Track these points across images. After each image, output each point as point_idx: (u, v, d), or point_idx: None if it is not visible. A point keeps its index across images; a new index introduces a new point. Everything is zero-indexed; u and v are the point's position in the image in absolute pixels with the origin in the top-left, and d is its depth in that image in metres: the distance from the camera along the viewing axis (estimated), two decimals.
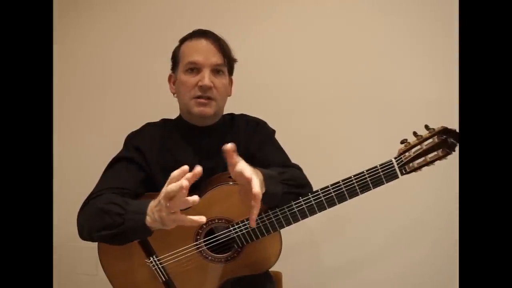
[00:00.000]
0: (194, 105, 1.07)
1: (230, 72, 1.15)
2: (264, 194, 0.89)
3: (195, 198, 0.77)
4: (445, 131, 0.93)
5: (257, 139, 1.15)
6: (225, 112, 1.18)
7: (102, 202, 0.96)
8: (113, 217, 0.91)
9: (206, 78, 1.05)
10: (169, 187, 0.78)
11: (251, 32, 1.67)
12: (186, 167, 0.79)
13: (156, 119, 1.20)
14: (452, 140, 0.92)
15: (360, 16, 1.59)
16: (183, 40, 1.12)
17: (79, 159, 1.86)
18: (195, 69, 1.07)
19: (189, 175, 0.78)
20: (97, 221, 0.93)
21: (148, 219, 0.86)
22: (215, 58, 1.07)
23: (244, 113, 1.22)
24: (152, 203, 0.86)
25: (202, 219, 0.79)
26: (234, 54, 1.14)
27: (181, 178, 0.78)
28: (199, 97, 1.06)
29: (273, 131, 1.21)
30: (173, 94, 1.15)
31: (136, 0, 1.80)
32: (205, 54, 1.06)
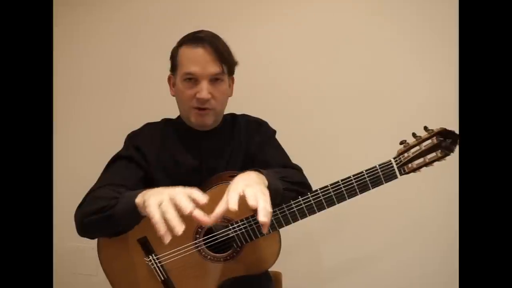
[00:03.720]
0: (192, 115, 1.07)
1: (231, 73, 1.12)
2: (268, 189, 0.89)
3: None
4: (443, 132, 0.93)
5: (258, 139, 1.15)
6: (226, 112, 1.18)
7: (100, 191, 0.97)
8: (109, 201, 0.91)
9: (204, 91, 1.03)
10: (183, 200, 0.77)
11: (251, 32, 1.67)
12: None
13: (156, 118, 1.20)
14: (450, 141, 0.92)
15: (360, 17, 1.59)
16: (181, 43, 1.08)
17: (79, 159, 1.86)
18: (192, 79, 1.05)
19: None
20: (92, 206, 0.94)
21: (139, 197, 0.85)
22: (213, 68, 1.03)
23: (244, 112, 1.22)
24: (154, 190, 0.85)
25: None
26: (235, 55, 1.11)
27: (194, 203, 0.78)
28: (197, 108, 1.06)
29: (274, 132, 1.21)
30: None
31: (136, 0, 1.80)
32: (202, 65, 1.03)
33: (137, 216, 0.89)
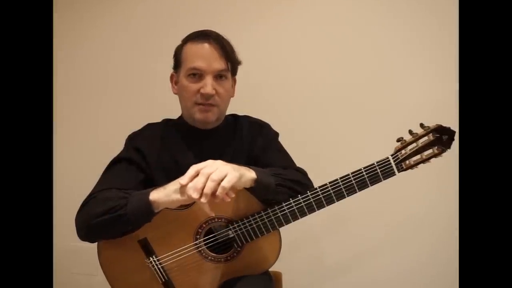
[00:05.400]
0: (196, 112, 1.07)
1: (234, 72, 1.13)
2: (256, 182, 0.94)
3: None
4: (439, 128, 0.94)
5: (260, 142, 1.15)
6: (227, 113, 1.17)
7: (105, 192, 0.97)
8: (118, 200, 0.93)
9: (209, 86, 1.04)
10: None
11: (252, 33, 1.68)
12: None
13: (157, 119, 1.20)
14: (447, 137, 0.93)
15: (360, 17, 1.60)
16: (186, 40, 1.09)
17: (79, 159, 1.86)
18: (197, 74, 1.05)
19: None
20: (99, 208, 0.94)
21: (154, 193, 0.91)
22: (218, 64, 1.04)
23: (243, 112, 1.22)
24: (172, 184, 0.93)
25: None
26: (238, 55, 1.11)
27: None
28: (201, 103, 1.06)
29: (277, 134, 1.21)
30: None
31: (137, 0, 1.80)
32: (208, 60, 1.04)
33: (150, 213, 0.92)
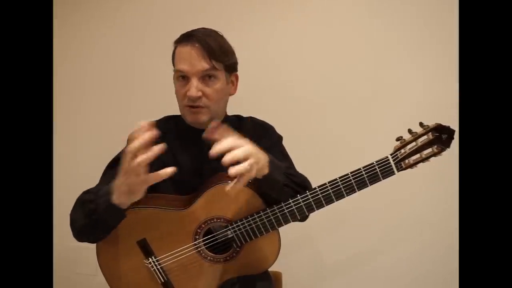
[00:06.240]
0: (187, 113, 1.07)
1: (231, 70, 1.10)
2: (265, 176, 0.92)
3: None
4: (439, 127, 0.93)
5: (264, 144, 1.12)
6: (229, 112, 1.17)
7: (81, 194, 0.99)
8: (87, 205, 0.93)
9: (193, 88, 1.02)
10: (131, 145, 0.80)
11: (253, 34, 1.68)
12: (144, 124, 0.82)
13: (158, 118, 1.19)
14: (446, 136, 0.92)
15: (360, 17, 1.60)
16: (176, 43, 1.08)
17: (79, 159, 1.87)
18: (185, 77, 1.04)
19: (146, 129, 0.81)
20: (77, 214, 0.96)
21: (114, 197, 0.88)
22: (201, 65, 1.01)
23: (243, 112, 1.22)
24: (118, 178, 0.87)
25: (169, 170, 0.83)
26: (233, 53, 1.09)
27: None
28: (190, 106, 1.05)
29: (280, 137, 1.20)
30: None
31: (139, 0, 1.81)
32: (190, 62, 1.02)
33: (121, 211, 0.92)
